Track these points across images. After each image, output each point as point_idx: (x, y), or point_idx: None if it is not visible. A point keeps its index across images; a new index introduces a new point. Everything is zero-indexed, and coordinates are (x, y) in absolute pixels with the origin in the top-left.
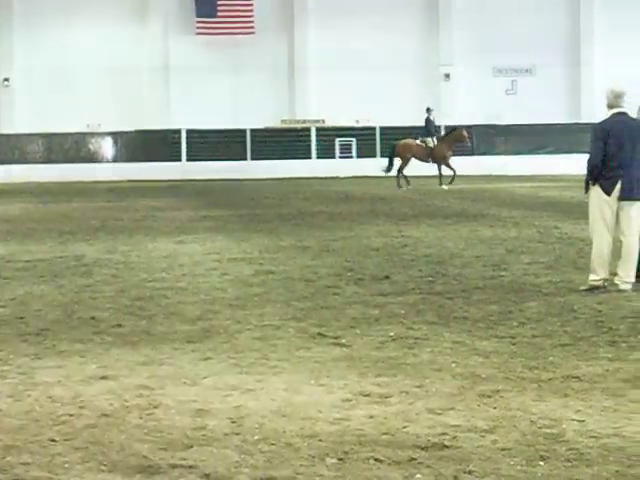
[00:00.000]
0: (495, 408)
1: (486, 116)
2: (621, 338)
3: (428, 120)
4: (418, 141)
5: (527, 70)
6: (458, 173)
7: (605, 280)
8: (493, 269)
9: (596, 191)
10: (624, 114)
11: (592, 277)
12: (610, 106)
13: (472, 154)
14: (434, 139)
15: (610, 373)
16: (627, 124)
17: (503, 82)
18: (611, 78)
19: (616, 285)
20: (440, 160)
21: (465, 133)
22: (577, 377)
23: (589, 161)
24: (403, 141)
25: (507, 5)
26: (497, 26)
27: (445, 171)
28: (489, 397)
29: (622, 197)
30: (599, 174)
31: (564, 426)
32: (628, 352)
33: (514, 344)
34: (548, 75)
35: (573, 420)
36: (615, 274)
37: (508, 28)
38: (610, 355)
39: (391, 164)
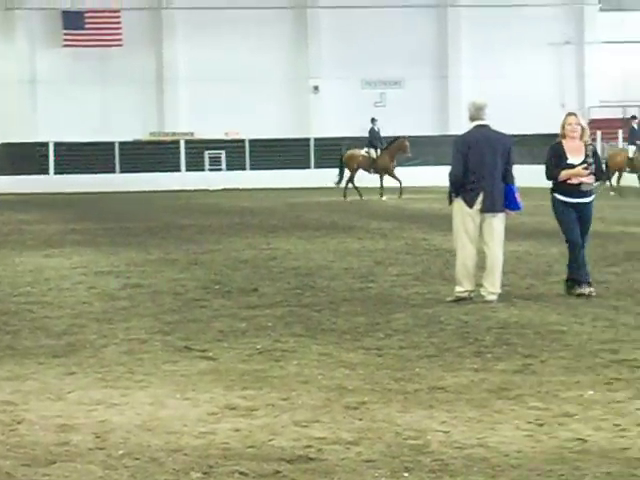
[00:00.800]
0: (361, 420)
1: (356, 128)
2: (487, 349)
3: (372, 130)
4: (364, 151)
5: (396, 83)
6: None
7: (471, 291)
8: (361, 281)
9: (459, 203)
10: (486, 126)
11: (458, 289)
12: (472, 118)
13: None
14: (377, 150)
15: (475, 384)
16: (488, 137)
17: (372, 94)
18: (478, 91)
19: (482, 296)
20: (382, 171)
21: (407, 143)
22: (442, 388)
23: (450, 173)
24: (349, 152)
25: (376, 19)
26: (366, 39)
27: (389, 182)
28: (355, 409)
29: (484, 209)
30: (461, 186)
31: (429, 437)
32: (493, 363)
33: (381, 356)
34: (416, 88)
35: (438, 431)
36: (481, 285)
37: (377, 41)
38: (475, 366)
39: (341, 175)
